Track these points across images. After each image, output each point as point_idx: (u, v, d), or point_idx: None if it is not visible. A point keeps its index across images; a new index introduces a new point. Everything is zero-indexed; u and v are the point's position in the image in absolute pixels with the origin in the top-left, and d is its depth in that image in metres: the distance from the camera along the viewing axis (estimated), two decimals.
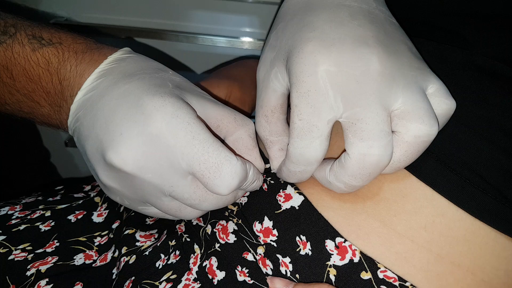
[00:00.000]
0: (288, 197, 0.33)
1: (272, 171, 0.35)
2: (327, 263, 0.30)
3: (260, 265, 0.32)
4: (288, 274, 0.31)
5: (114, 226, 0.43)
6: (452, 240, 0.29)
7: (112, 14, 0.70)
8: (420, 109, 0.27)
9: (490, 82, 0.31)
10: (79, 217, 0.43)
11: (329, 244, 0.30)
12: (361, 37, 0.28)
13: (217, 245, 0.34)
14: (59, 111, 0.32)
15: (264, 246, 0.33)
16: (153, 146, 0.28)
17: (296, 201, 0.33)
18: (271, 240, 0.32)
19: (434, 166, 0.30)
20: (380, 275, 0.29)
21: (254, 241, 0.33)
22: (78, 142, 0.32)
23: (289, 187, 0.34)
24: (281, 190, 0.34)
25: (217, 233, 0.35)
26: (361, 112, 0.26)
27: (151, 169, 0.28)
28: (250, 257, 0.33)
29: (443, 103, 0.28)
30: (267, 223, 0.33)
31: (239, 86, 0.49)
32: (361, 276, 0.29)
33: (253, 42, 0.70)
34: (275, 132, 0.33)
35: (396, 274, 0.29)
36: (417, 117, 0.27)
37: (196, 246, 0.36)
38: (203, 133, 0.28)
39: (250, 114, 0.51)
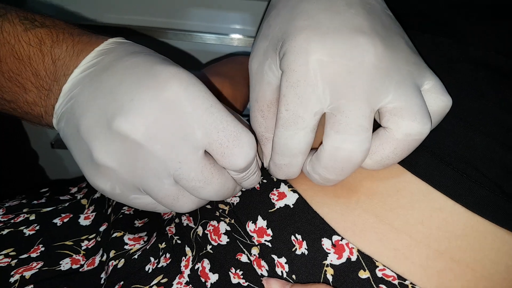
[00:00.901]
0: (281, 196, 0.32)
1: (265, 166, 0.34)
2: (324, 262, 0.29)
3: (255, 266, 0.31)
4: (284, 275, 0.30)
5: (102, 229, 0.42)
6: (451, 235, 0.28)
7: (97, 12, 0.68)
8: (413, 106, 0.26)
9: (485, 75, 0.30)
10: (65, 220, 0.42)
11: (326, 243, 0.29)
12: (357, 26, 0.27)
13: (209, 247, 0.33)
14: (48, 95, 0.30)
15: (258, 246, 0.32)
16: (168, 113, 0.26)
17: (291, 199, 0.31)
18: (265, 240, 0.31)
19: (429, 161, 0.29)
20: (379, 274, 0.28)
21: (248, 242, 0.32)
22: (67, 125, 0.29)
23: (282, 185, 0.33)
24: (274, 189, 0.33)
25: (208, 235, 0.34)
26: (344, 104, 0.26)
27: (161, 139, 0.26)
28: (244, 258, 0.32)
29: (439, 100, 0.28)
30: (261, 222, 0.32)
31: (230, 83, 0.48)
32: (359, 275, 0.28)
33: (242, 39, 0.69)
34: (271, 128, 0.32)
35: (395, 272, 0.28)
36: (410, 114, 0.26)
37: (187, 248, 0.35)
38: (219, 103, 0.28)
39: (242, 111, 0.50)
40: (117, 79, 0.27)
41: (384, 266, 0.28)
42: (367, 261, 0.28)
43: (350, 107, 0.26)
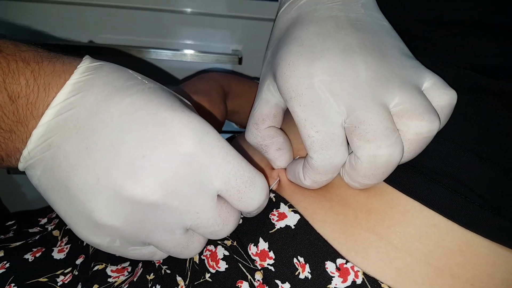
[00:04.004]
0: (282, 216, 0.31)
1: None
2: (328, 286, 0.28)
3: None
4: None
5: (79, 261, 0.39)
6: (448, 251, 0.29)
7: (56, 30, 0.65)
8: (419, 106, 0.27)
9: (464, 93, 0.31)
10: (38, 255, 0.38)
11: (330, 266, 0.29)
12: (348, 45, 0.28)
13: (207, 275, 0.32)
14: (10, 138, 0.26)
15: (261, 271, 0.30)
16: (185, 167, 0.25)
17: (292, 220, 0.31)
18: (268, 264, 0.30)
19: (418, 180, 0.30)
20: None
21: (251, 266, 0.31)
22: (46, 175, 0.26)
23: (282, 205, 0.32)
24: (274, 209, 0.32)
25: (205, 261, 0.32)
26: (362, 114, 0.26)
27: (180, 195, 0.25)
28: (245, 286, 0.30)
29: (442, 94, 0.28)
30: (263, 245, 0.31)
31: (207, 99, 0.47)
32: None
33: (195, 54, 0.69)
34: (267, 136, 0.33)
35: None
36: (416, 114, 0.27)
37: (178, 278, 0.33)
38: (232, 148, 0.27)
39: (221, 127, 0.49)
40: (116, 128, 0.25)
41: (389, 287, 0.28)
42: (373, 284, 0.28)
43: (369, 114, 0.26)
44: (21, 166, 0.27)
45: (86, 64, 0.27)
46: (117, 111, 0.25)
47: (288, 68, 0.28)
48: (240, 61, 0.70)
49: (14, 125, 0.25)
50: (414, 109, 0.27)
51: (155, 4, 0.66)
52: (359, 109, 0.26)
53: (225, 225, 0.28)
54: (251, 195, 0.27)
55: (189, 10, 0.67)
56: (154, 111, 0.25)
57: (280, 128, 0.34)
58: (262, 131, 0.33)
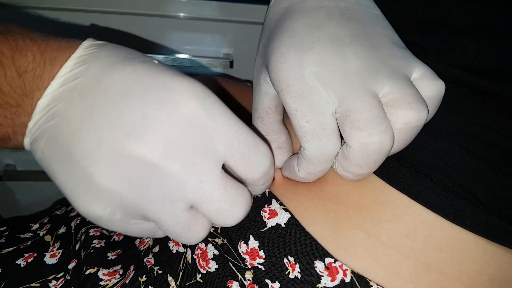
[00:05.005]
0: (273, 213, 0.31)
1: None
2: (317, 285, 0.29)
3: None
4: None
5: (71, 266, 0.39)
6: (436, 247, 0.29)
7: None
8: (407, 96, 0.27)
9: (455, 90, 0.32)
10: (29, 260, 0.38)
11: (319, 265, 0.29)
12: (338, 36, 0.29)
13: (198, 276, 0.32)
14: (16, 112, 0.26)
15: (251, 270, 0.31)
16: (187, 128, 0.24)
17: (282, 218, 0.31)
18: (258, 263, 0.30)
19: (408, 174, 0.30)
20: None
21: (241, 265, 0.31)
22: (50, 145, 0.26)
23: (274, 201, 0.32)
24: (265, 205, 0.32)
25: (197, 260, 0.32)
26: (352, 103, 0.27)
27: (180, 158, 0.24)
28: (235, 286, 0.31)
29: (431, 85, 0.29)
30: (253, 243, 0.31)
31: None
32: None
33: (187, 58, 0.70)
34: (272, 131, 0.33)
35: None
36: (405, 103, 0.27)
37: (170, 278, 0.33)
38: (234, 114, 0.27)
39: None
40: (118, 92, 0.25)
41: (378, 285, 0.28)
42: (361, 282, 0.28)
43: (360, 103, 0.26)
44: (27, 141, 0.27)
45: (90, 41, 0.28)
46: (120, 77, 0.25)
47: (279, 61, 0.28)
48: (231, 64, 0.70)
49: (20, 99, 0.26)
50: (403, 98, 0.27)
51: (147, 9, 0.67)
52: (350, 98, 0.27)
53: (233, 204, 0.26)
54: (256, 159, 0.27)
55: (181, 14, 0.68)
56: (156, 76, 0.25)
57: (285, 126, 0.35)
58: (267, 124, 0.33)
